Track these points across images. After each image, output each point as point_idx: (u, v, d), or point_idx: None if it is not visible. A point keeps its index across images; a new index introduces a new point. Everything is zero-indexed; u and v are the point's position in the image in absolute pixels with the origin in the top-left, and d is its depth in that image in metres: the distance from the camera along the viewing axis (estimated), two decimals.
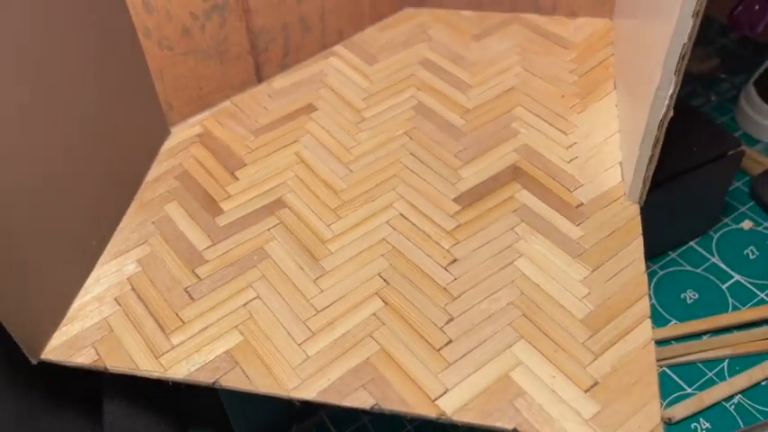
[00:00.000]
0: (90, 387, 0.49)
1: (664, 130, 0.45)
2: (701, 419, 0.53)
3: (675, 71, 0.42)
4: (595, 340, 0.42)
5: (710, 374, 0.55)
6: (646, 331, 0.43)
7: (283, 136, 0.58)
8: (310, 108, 0.60)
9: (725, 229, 0.65)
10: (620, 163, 0.53)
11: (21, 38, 0.40)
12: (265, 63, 0.61)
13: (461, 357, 0.42)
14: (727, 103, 0.77)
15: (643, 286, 0.45)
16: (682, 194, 0.58)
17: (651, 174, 0.48)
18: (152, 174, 0.55)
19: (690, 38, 0.40)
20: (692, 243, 0.64)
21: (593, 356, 0.42)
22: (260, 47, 0.60)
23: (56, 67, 0.43)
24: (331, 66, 0.64)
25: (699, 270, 0.62)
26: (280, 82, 0.63)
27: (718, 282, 0.61)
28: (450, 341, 0.43)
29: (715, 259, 0.63)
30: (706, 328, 0.57)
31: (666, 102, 0.44)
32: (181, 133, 0.59)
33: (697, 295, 0.60)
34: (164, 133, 0.58)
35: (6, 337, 0.42)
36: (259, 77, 0.62)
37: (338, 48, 0.66)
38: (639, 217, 0.49)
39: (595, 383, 0.40)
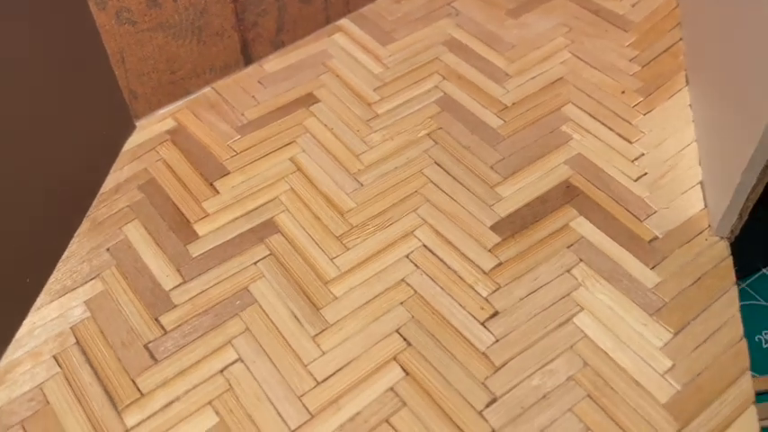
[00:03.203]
0: None
1: None
2: None
3: None
4: None
5: None
6: (751, 424, 0.32)
7: (276, 135, 0.46)
8: (310, 99, 0.48)
9: None
10: (701, 183, 0.42)
11: None
12: (255, 40, 0.49)
13: None
14: None
15: (743, 356, 0.35)
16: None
17: (752, 204, 0.37)
18: (110, 181, 0.44)
19: None
20: (765, 270, 0.54)
21: None
22: (248, 20, 0.48)
23: None
24: (336, 44, 0.52)
25: None
26: (273, 64, 0.51)
27: None
28: None
29: None
30: None
31: None
32: (148, 129, 0.47)
33: None
34: (127, 128, 0.46)
35: None
36: (247, 58, 0.50)
37: (344, 22, 0.54)
38: (731, 258, 0.39)
39: None
